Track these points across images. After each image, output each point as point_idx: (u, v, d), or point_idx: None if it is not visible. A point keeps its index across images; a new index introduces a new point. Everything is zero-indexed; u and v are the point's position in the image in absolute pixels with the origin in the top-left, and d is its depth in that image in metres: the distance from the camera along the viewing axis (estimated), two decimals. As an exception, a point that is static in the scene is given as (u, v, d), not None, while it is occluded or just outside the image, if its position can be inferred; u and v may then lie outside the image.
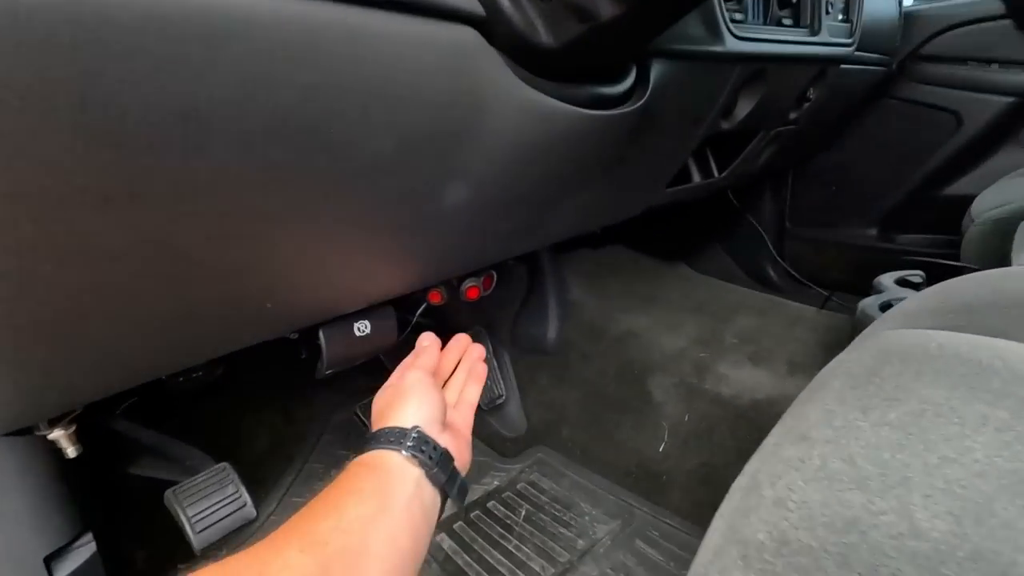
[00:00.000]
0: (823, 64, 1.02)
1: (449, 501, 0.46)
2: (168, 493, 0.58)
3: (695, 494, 0.96)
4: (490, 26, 0.46)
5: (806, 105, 1.11)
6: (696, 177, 1.16)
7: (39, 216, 0.29)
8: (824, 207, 1.66)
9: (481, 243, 0.63)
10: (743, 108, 0.94)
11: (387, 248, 0.52)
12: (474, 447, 1.05)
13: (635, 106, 0.63)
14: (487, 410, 1.15)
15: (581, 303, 1.24)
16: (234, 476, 0.60)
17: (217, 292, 0.44)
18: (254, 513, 0.61)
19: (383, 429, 0.44)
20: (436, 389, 0.50)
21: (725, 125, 0.93)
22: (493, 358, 1.17)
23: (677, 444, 1.01)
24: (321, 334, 0.58)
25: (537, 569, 0.84)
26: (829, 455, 0.42)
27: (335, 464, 1.01)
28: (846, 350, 0.67)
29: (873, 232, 1.58)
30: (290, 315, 0.52)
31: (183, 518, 0.56)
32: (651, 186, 0.92)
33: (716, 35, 0.74)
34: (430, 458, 0.43)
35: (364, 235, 0.49)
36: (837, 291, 1.44)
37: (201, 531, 0.57)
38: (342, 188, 0.42)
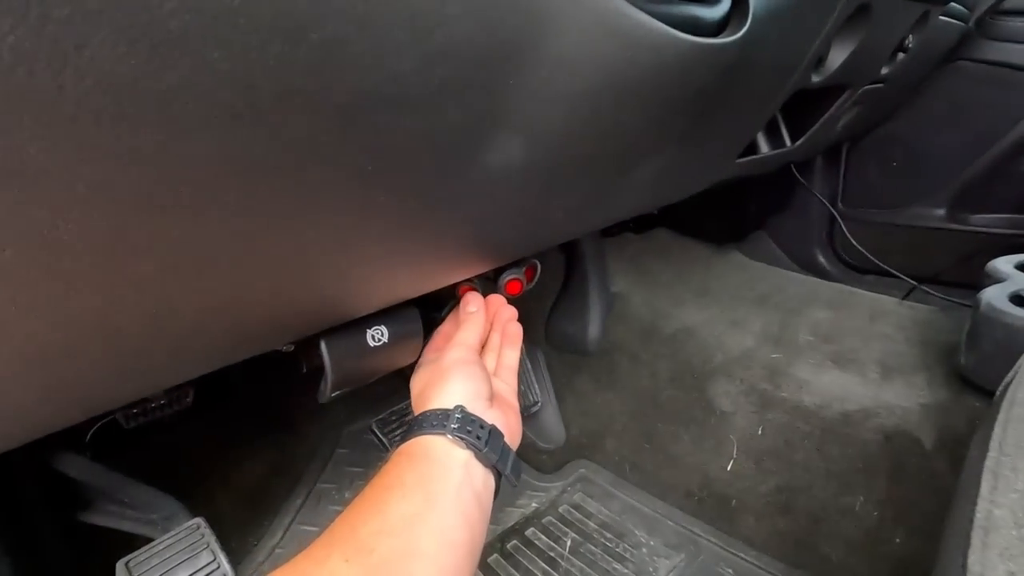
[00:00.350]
0: (930, 4, 0.84)
1: (504, 482, 0.43)
2: (119, 567, 0.44)
3: (773, 523, 0.81)
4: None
5: (900, 57, 0.94)
6: (764, 147, 1.00)
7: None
8: (883, 186, 1.48)
9: (532, 225, 0.48)
10: (836, 57, 0.77)
11: (410, 228, 0.38)
12: None
13: (735, 36, 0.47)
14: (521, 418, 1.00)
15: (626, 295, 1.09)
16: (210, 538, 0.46)
17: (217, 295, 0.30)
18: None
19: (424, 413, 0.42)
20: (480, 363, 0.48)
21: (815, 78, 0.76)
22: (526, 359, 1.03)
23: (749, 462, 0.85)
24: (323, 346, 0.43)
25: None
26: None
27: (349, 485, 0.87)
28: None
29: (941, 212, 1.39)
30: (284, 322, 0.38)
31: None
32: (725, 155, 0.75)
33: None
34: (478, 438, 0.40)
35: (378, 208, 0.34)
36: (928, 283, 1.27)
37: None
38: (343, 132, 0.27)
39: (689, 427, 0.92)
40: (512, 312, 0.55)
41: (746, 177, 1.05)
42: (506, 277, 0.60)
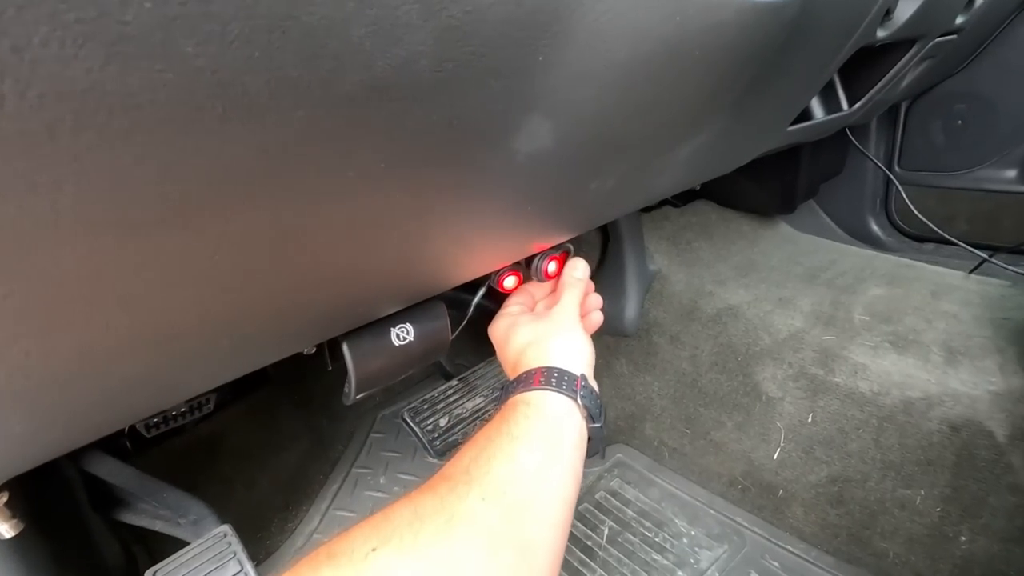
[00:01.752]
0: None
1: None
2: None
3: (823, 514, 0.77)
4: None
5: (977, 4, 0.83)
6: (818, 112, 0.91)
7: None
8: (947, 146, 1.36)
9: (566, 209, 0.44)
10: (906, 8, 0.68)
11: (433, 225, 0.35)
12: None
13: (793, -6, 0.41)
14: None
15: (665, 274, 1.03)
16: (237, 547, 0.46)
17: (224, 306, 0.28)
18: None
19: (552, 369, 0.44)
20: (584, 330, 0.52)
21: (881, 33, 0.68)
22: (561, 341, 0.99)
23: (798, 451, 0.81)
24: (345, 349, 0.41)
25: (630, 612, 0.68)
26: None
27: (384, 470, 0.87)
28: None
29: (1012, 174, 1.27)
30: (301, 328, 0.35)
31: None
32: (776, 123, 0.69)
33: None
34: (597, 409, 0.45)
35: (398, 201, 0.31)
36: (1002, 252, 1.17)
37: None
38: (354, 127, 0.24)
39: (733, 413, 0.88)
40: (585, 268, 0.59)
41: (795, 143, 0.98)
42: (541, 263, 0.57)
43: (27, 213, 0.18)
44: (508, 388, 0.46)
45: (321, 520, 0.80)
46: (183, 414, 0.44)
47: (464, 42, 0.25)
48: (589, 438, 0.45)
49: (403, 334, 0.44)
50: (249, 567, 0.44)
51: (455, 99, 0.27)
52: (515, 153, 0.34)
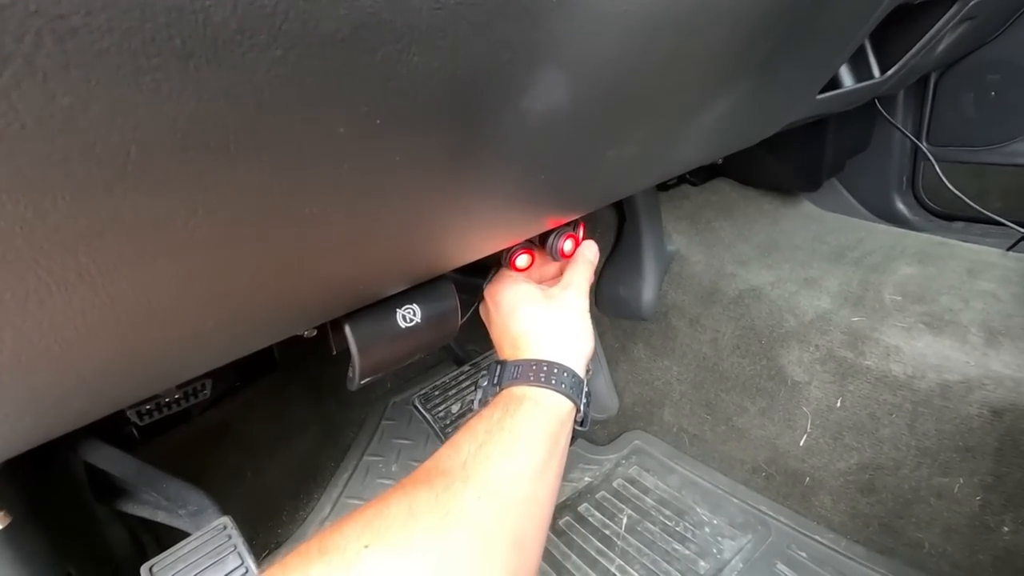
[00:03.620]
0: None
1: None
2: (143, 570, 0.43)
3: (854, 503, 0.74)
4: None
5: (1023, -41, 0.78)
6: (848, 80, 0.86)
7: None
8: (979, 119, 1.29)
9: (581, 181, 0.41)
10: (948, -40, 0.63)
11: (437, 193, 0.32)
12: None
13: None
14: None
15: (684, 254, 1.00)
16: (237, 540, 0.44)
17: (214, 284, 0.25)
18: None
19: (555, 366, 0.44)
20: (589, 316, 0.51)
21: (918, -10, 0.63)
22: (576, 325, 0.96)
23: (826, 437, 0.77)
24: (347, 330, 0.38)
25: (650, 605, 0.66)
26: None
27: (395, 457, 0.85)
28: None
29: (1049, 148, 1.21)
30: (299, 307, 0.33)
31: None
32: (806, 90, 0.65)
33: None
34: (586, 405, 0.46)
35: (398, 165, 0.28)
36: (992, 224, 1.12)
37: None
38: (341, 74, 0.21)
39: (756, 398, 0.85)
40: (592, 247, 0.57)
41: (820, 116, 0.93)
42: (556, 241, 0.54)
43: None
44: (506, 372, 0.45)
45: (333, 508, 0.78)
46: (177, 401, 0.41)
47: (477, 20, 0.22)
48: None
49: (410, 315, 0.41)
50: (250, 561, 0.42)
51: (457, 44, 0.24)
52: (526, 112, 0.30)
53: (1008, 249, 0.98)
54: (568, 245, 0.53)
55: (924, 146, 1.33)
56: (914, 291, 0.86)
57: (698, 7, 0.32)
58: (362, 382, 0.41)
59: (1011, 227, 1.01)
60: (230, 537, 0.43)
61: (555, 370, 0.44)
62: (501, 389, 0.44)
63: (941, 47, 0.88)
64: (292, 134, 0.22)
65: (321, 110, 0.22)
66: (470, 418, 0.42)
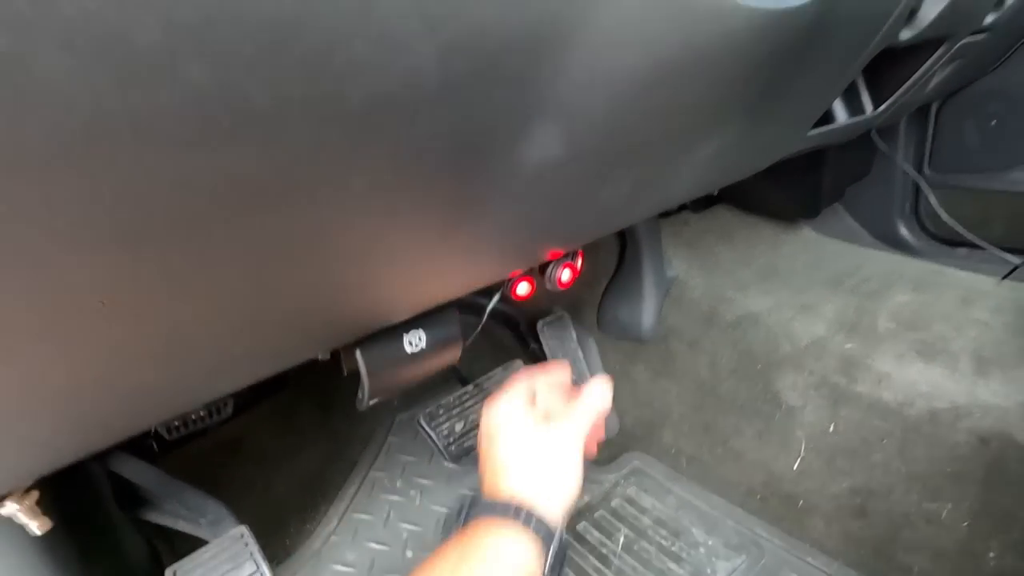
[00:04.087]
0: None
1: None
2: (168, 573, 0.46)
3: (845, 526, 0.75)
4: None
5: (1009, 3, 0.81)
6: (841, 115, 0.90)
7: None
8: (980, 147, 1.31)
9: (578, 216, 0.45)
10: (932, 7, 0.67)
11: (444, 233, 0.35)
12: None
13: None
14: (573, 408, 0.98)
15: (684, 279, 1.02)
16: (253, 547, 0.47)
17: (237, 314, 0.29)
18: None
19: (534, 517, 0.41)
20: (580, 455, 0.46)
21: (905, 34, 0.67)
22: (578, 347, 0.99)
23: (819, 461, 0.79)
24: (358, 355, 0.42)
25: (642, 622, 0.68)
26: None
27: (401, 473, 0.88)
28: None
29: (1050, 176, 1.22)
30: (314, 335, 0.36)
31: None
32: (796, 127, 0.68)
33: None
34: (556, 555, 0.42)
35: (407, 210, 0.32)
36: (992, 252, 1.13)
37: None
38: (357, 134, 0.25)
39: (752, 421, 0.87)
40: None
41: (818, 147, 0.96)
42: (554, 271, 0.57)
43: (35, 227, 0.19)
44: (473, 510, 0.42)
45: (339, 522, 0.81)
46: (202, 418, 0.45)
47: (467, 55, 0.25)
48: None
49: (416, 340, 0.45)
50: (265, 567, 0.44)
51: (461, 110, 0.28)
52: (524, 161, 0.34)
53: (1003, 278, 1.00)
54: (566, 275, 0.56)
55: (926, 173, 1.36)
56: (908, 318, 0.88)
57: (681, 67, 0.36)
58: (370, 402, 0.45)
59: (1006, 257, 1.03)
60: (247, 545, 0.46)
61: (534, 519, 0.40)
62: (466, 526, 0.41)
63: (933, 83, 0.92)
64: (317, 190, 0.26)
65: (343, 169, 0.26)
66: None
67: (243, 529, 0.48)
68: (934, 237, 1.37)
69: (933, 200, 1.27)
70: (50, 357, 0.24)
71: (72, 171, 0.18)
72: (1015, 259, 1.01)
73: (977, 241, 1.12)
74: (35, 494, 0.37)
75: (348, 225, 0.30)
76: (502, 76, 0.28)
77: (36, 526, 0.37)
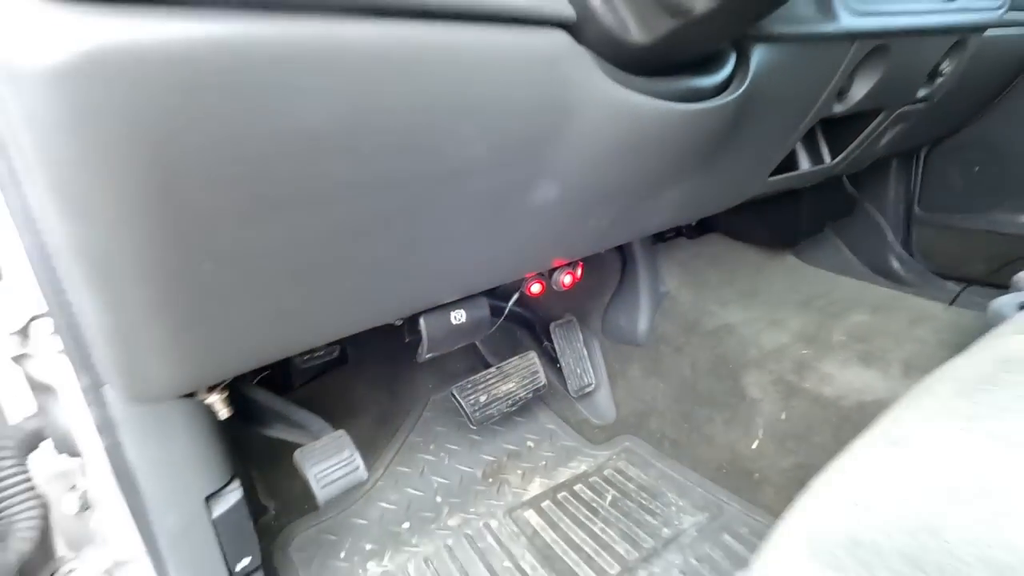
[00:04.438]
0: (961, 34, 0.91)
1: None
2: (296, 454, 0.68)
3: (789, 493, 0.92)
4: (580, 26, 0.48)
5: (939, 80, 1.00)
6: (804, 164, 1.09)
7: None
8: (964, 190, 1.48)
9: (573, 238, 0.66)
10: (860, 89, 0.87)
11: (481, 242, 0.56)
12: (563, 432, 1.09)
13: (733, 96, 0.61)
14: (577, 397, 1.18)
15: (675, 295, 1.22)
16: (349, 442, 0.69)
17: (335, 281, 0.50)
18: (366, 475, 0.69)
19: None
20: None
21: (838, 108, 0.87)
22: (583, 347, 1.19)
23: (772, 443, 0.97)
24: (422, 321, 0.63)
25: (621, 552, 0.86)
26: (921, 463, 0.40)
27: (433, 439, 1.09)
28: (962, 353, 0.62)
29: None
30: (397, 303, 0.58)
31: (308, 476, 0.66)
32: (752, 176, 0.88)
33: (828, 11, 0.70)
34: None
35: (460, 230, 0.53)
36: (975, 285, 1.29)
37: (323, 487, 0.67)
38: (438, 190, 0.47)
39: (722, 411, 1.05)
40: None
41: (799, 187, 1.15)
42: (559, 275, 0.78)
43: (260, 234, 0.41)
44: None
45: (384, 472, 1.02)
46: (322, 356, 0.66)
47: (505, 147, 0.47)
48: None
49: (458, 316, 0.66)
50: (356, 455, 0.65)
51: (496, 174, 0.49)
52: (533, 201, 0.55)
53: (951, 303, 1.17)
54: (567, 279, 0.78)
55: (916, 212, 1.54)
56: (859, 334, 1.06)
57: (637, 147, 0.57)
58: (426, 356, 0.66)
59: (952, 285, 1.20)
60: (345, 440, 0.67)
61: None
62: None
63: (884, 140, 1.11)
64: (414, 221, 0.48)
65: (431, 207, 0.48)
66: None
67: (342, 432, 0.70)
68: (919, 269, 1.54)
69: (896, 236, 1.44)
70: (278, 294, 0.46)
71: (319, 207, 0.40)
72: (958, 287, 1.18)
73: (934, 273, 1.29)
74: (226, 390, 0.59)
75: (429, 236, 0.51)
76: (522, 155, 0.50)
77: (223, 412, 0.59)
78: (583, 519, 0.94)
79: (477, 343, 1.24)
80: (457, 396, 0.96)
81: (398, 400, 1.16)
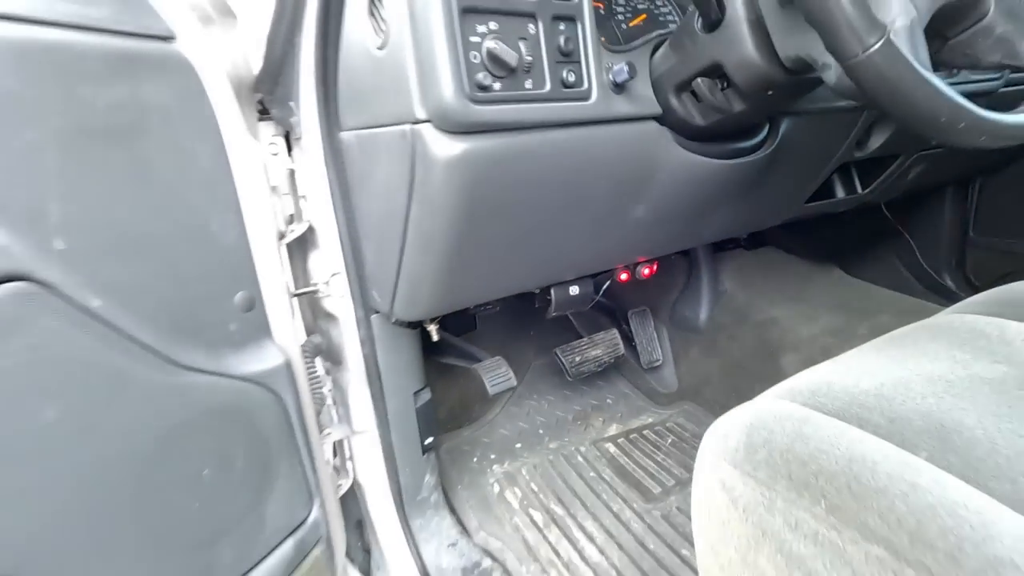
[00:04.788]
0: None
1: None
2: (475, 367, 1.07)
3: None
4: (664, 117, 0.83)
5: (952, 131, 1.26)
6: (840, 192, 1.37)
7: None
8: (1016, 216, 1.66)
9: (651, 242, 1.00)
10: (876, 140, 1.15)
11: (596, 242, 0.92)
12: (634, 395, 1.45)
13: (764, 153, 0.94)
14: (646, 369, 1.50)
15: (731, 293, 1.52)
16: (505, 362, 1.06)
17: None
18: (515, 383, 1.08)
19: None
20: None
21: (859, 154, 1.16)
22: (654, 332, 1.52)
23: (801, 407, 1.26)
24: (552, 291, 1.00)
25: (676, 473, 1.19)
26: (853, 372, 0.71)
27: (536, 392, 1.46)
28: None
29: (1074, 246, 1.57)
30: (545, 276, 0.95)
31: (485, 379, 1.05)
32: (787, 205, 1.19)
33: (841, 93, 1.01)
34: None
35: (585, 233, 0.89)
36: None
37: (493, 386, 1.05)
38: (578, 211, 0.83)
39: (764, 383, 1.34)
40: None
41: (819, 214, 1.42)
42: (640, 268, 1.12)
43: (506, 237, 0.79)
44: None
45: (500, 410, 1.40)
46: (488, 308, 1.05)
47: (617, 187, 0.83)
48: None
49: (574, 290, 1.02)
50: (511, 371, 1.03)
51: (611, 202, 0.85)
52: (630, 217, 0.91)
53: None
54: (646, 271, 1.12)
55: (970, 235, 1.74)
56: (881, 331, 1.33)
57: (694, 186, 0.91)
58: (553, 315, 1.03)
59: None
60: (500, 359, 1.05)
61: None
62: None
63: (911, 176, 1.36)
64: (569, 225, 0.84)
65: (565, 224, 0.84)
66: None
67: (499, 357, 1.08)
68: (977, 290, 1.73)
69: (950, 258, 1.66)
70: (499, 266, 0.84)
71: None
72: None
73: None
74: (437, 322, 0.98)
75: (570, 236, 0.88)
76: (627, 192, 0.85)
77: (435, 335, 0.98)
78: (648, 451, 1.27)
79: (571, 319, 1.60)
80: (559, 355, 1.32)
81: (512, 362, 1.54)
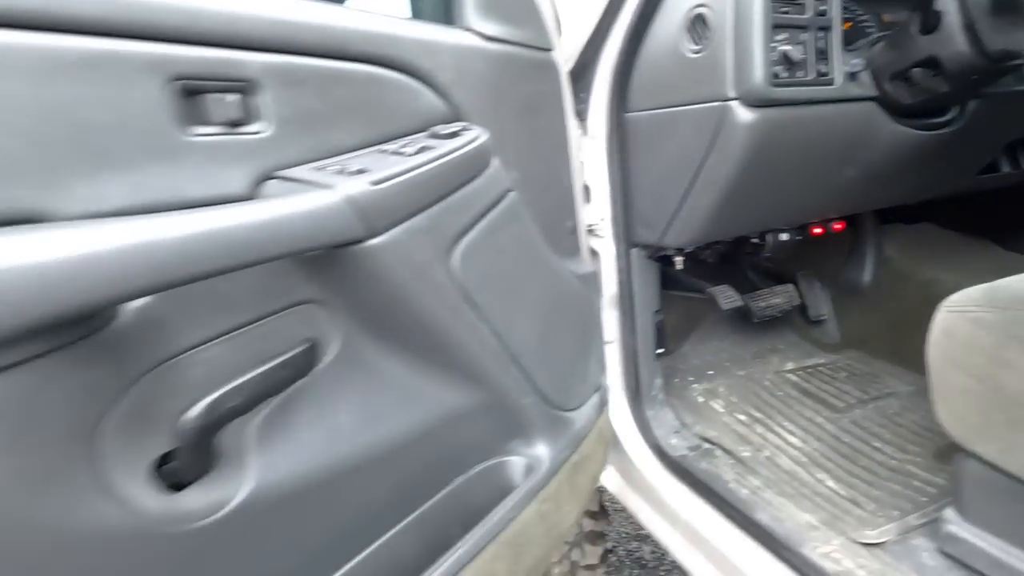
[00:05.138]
0: None
1: None
2: (710, 289, 1.40)
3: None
4: (880, 98, 1.12)
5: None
6: (1005, 167, 1.57)
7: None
8: None
9: (854, 198, 1.28)
10: (1049, 119, 1.36)
11: (816, 192, 1.21)
12: (804, 343, 1.72)
13: (952, 129, 1.20)
14: (813, 321, 1.76)
15: (893, 258, 1.75)
16: (732, 288, 1.39)
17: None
18: (742, 302, 1.43)
19: None
20: None
21: (1029, 133, 1.37)
22: (821, 290, 1.78)
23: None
24: (768, 236, 1.31)
25: (857, 393, 1.45)
26: None
27: (722, 334, 1.76)
28: None
29: None
30: (779, 217, 1.27)
31: (718, 299, 1.38)
32: (963, 173, 1.42)
33: None
34: None
35: (813, 187, 1.19)
36: None
37: (725, 303, 1.38)
38: (812, 172, 1.13)
39: (921, 334, 1.57)
40: None
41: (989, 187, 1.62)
42: (831, 224, 1.40)
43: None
44: None
45: (690, 347, 1.71)
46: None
47: (849, 151, 1.12)
48: None
49: (783, 237, 1.32)
50: (736, 293, 1.35)
51: (839, 168, 1.14)
52: (844, 177, 1.19)
53: None
54: (838, 227, 1.39)
55: None
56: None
57: (889, 153, 1.18)
58: (767, 255, 1.33)
59: None
60: (728, 287, 1.38)
61: None
62: None
63: (1076, 155, 1.53)
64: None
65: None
66: None
67: (725, 284, 1.40)
68: None
69: None
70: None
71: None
72: None
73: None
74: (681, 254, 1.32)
75: (808, 184, 1.18)
76: (848, 160, 1.14)
77: (679, 264, 1.31)
78: (827, 380, 1.53)
79: (751, 275, 1.88)
80: (748, 301, 1.62)
81: (704, 303, 1.85)
